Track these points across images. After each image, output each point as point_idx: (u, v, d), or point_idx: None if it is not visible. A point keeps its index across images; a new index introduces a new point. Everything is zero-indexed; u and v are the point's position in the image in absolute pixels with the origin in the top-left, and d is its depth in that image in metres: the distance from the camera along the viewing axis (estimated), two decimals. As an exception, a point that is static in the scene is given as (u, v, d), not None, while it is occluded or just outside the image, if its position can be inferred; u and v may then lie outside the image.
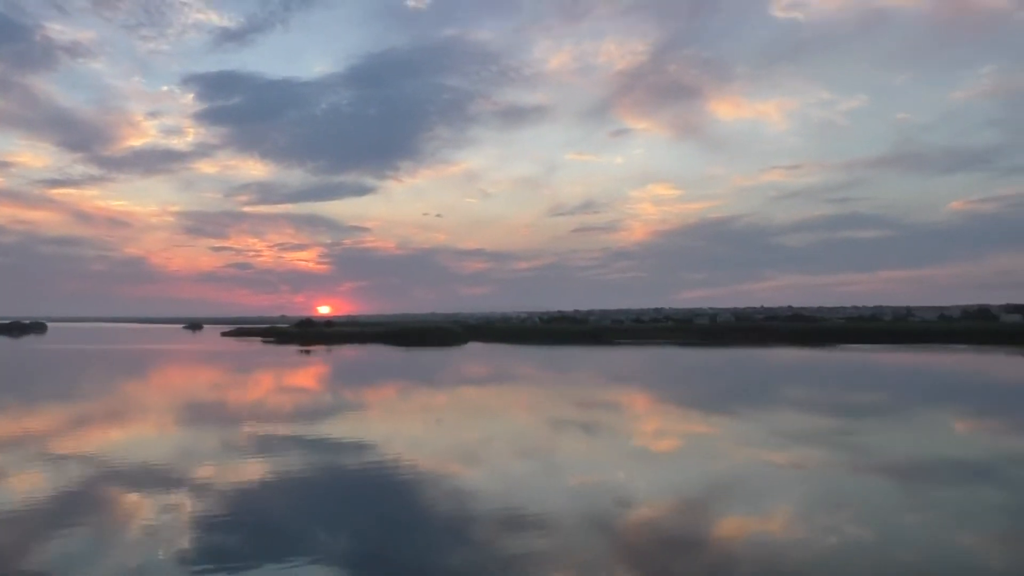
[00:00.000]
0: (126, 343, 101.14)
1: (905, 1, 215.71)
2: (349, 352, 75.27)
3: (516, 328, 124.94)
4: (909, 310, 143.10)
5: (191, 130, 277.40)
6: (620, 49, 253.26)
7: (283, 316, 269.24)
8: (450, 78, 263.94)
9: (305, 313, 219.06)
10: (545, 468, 17.27)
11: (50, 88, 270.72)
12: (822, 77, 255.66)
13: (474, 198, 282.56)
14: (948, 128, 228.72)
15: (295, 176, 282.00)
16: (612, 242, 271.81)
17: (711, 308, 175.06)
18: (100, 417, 26.14)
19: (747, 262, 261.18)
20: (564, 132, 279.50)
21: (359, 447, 19.76)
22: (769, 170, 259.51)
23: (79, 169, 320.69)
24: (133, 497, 14.36)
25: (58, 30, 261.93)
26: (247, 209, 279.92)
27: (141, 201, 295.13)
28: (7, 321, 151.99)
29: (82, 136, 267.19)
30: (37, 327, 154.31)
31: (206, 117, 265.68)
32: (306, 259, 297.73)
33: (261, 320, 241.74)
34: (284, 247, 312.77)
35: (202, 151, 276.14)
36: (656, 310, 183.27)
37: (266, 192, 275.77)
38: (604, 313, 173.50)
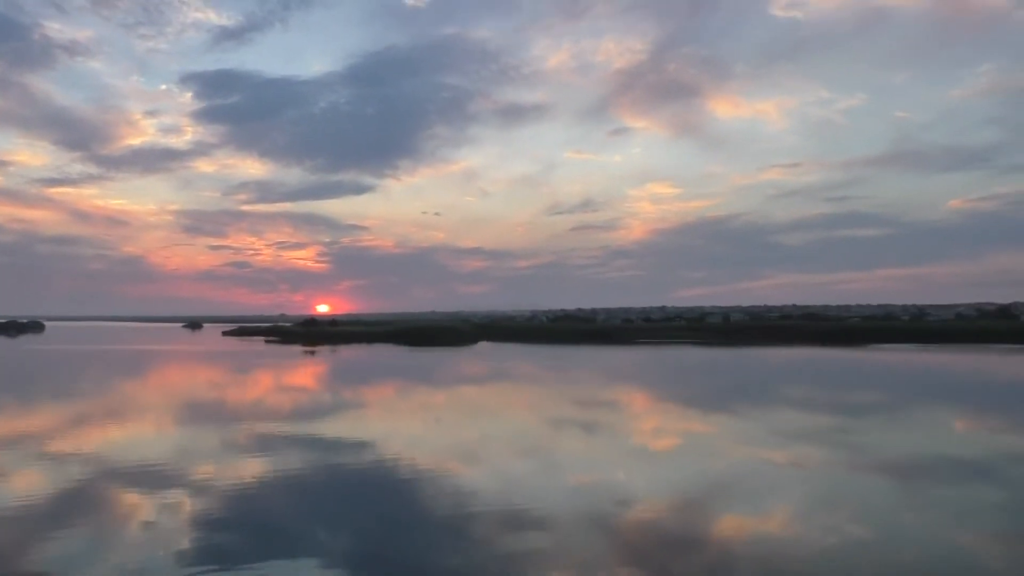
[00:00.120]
0: (126, 343, 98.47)
1: (904, 0, 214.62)
2: (356, 352, 72.68)
3: (526, 327, 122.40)
4: (920, 308, 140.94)
5: (189, 129, 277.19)
6: (619, 48, 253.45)
7: (282, 315, 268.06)
8: (449, 77, 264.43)
9: (304, 312, 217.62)
10: (592, 470, 16.52)
11: (48, 87, 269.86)
12: (821, 76, 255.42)
13: (473, 197, 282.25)
14: (947, 127, 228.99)
15: (294, 175, 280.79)
16: (611, 241, 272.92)
17: (717, 306, 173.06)
18: (102, 423, 23.61)
19: (746, 261, 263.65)
20: (563, 131, 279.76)
21: (387, 455, 17.82)
22: (768, 169, 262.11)
23: (77, 168, 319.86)
24: (133, 497, 14.29)
25: (56, 29, 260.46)
26: (246, 208, 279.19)
27: (139, 200, 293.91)
28: (4, 320, 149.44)
29: (80, 135, 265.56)
30: (34, 326, 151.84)
31: (204, 116, 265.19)
32: (305, 258, 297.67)
33: (260, 319, 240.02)
34: (283, 246, 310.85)
35: (200, 150, 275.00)
36: (660, 308, 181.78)
37: (265, 191, 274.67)
38: (608, 311, 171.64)
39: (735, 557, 10.74)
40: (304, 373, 49.55)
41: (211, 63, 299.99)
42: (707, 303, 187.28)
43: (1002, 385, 40.26)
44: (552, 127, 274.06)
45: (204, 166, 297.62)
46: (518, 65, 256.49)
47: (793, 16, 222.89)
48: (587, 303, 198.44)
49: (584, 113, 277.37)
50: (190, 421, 25.17)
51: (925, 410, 29.43)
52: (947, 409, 29.65)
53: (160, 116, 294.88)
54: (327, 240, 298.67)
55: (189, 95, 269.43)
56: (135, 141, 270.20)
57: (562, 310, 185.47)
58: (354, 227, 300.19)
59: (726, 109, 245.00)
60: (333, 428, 23.67)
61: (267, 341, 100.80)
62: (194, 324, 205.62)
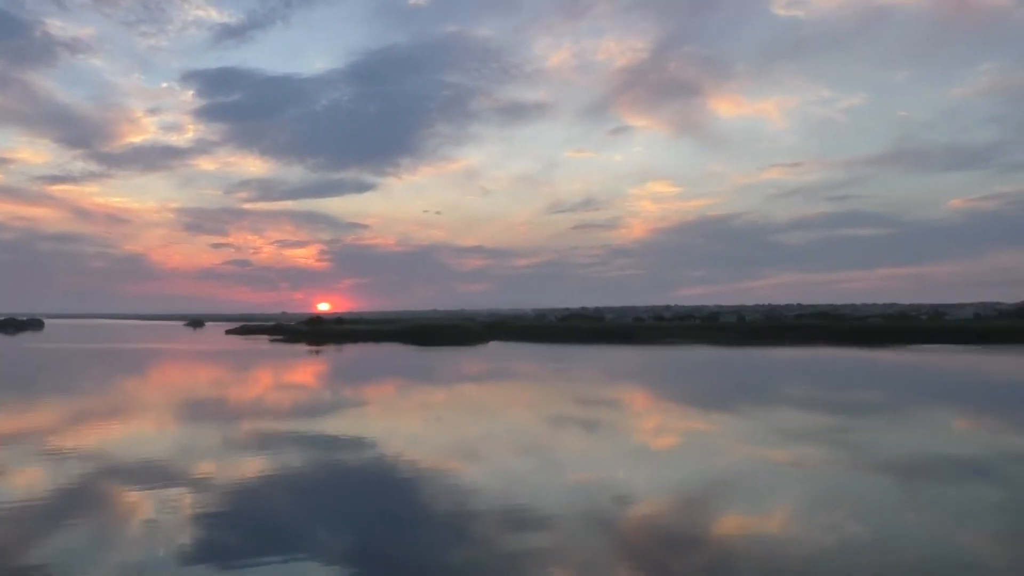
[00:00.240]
0: (127, 342, 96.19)
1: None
2: (365, 351, 70.44)
3: (535, 326, 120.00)
4: (936, 308, 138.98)
5: (191, 127, 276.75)
6: (620, 46, 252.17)
7: (284, 313, 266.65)
8: (450, 75, 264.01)
9: (305, 310, 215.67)
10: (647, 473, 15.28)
11: (50, 84, 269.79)
12: (822, 75, 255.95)
13: (474, 195, 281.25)
14: (948, 126, 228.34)
15: (295, 173, 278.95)
16: (611, 239, 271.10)
17: (721, 305, 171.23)
18: (118, 426, 21.48)
19: (746, 260, 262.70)
20: (564, 129, 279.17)
21: (420, 458, 16.12)
22: (769, 168, 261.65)
23: (79, 166, 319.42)
24: (136, 495, 14.28)
25: (58, 26, 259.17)
26: (247, 206, 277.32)
27: (140, 198, 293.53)
28: (3, 318, 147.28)
29: (82, 132, 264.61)
30: (34, 324, 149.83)
31: (206, 114, 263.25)
32: (306, 256, 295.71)
33: (261, 317, 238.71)
34: (284, 244, 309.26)
35: (202, 148, 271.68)
36: (666, 307, 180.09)
37: (266, 189, 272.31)
38: (612, 310, 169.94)
39: (737, 556, 10.71)
40: (314, 373, 47.27)
41: (212, 61, 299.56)
42: (708, 302, 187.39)
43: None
44: (553, 126, 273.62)
45: (205, 164, 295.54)
46: (519, 64, 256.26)
47: (794, 15, 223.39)
48: (588, 302, 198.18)
49: (585, 112, 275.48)
50: (204, 421, 24.56)
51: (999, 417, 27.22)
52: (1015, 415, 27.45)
53: (161, 114, 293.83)
54: (328, 238, 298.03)
55: (190, 93, 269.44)
56: (136, 139, 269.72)
57: (566, 309, 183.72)
58: (355, 225, 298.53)
59: (727, 108, 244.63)
60: (364, 430, 22.26)
61: (272, 340, 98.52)
62: (196, 322, 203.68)
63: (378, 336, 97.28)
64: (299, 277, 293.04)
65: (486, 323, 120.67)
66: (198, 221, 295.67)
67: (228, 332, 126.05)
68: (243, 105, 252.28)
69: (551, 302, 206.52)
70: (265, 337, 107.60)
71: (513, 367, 51.49)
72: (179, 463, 17.22)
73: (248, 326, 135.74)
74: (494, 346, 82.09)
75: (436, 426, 24.11)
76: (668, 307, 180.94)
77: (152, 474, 15.97)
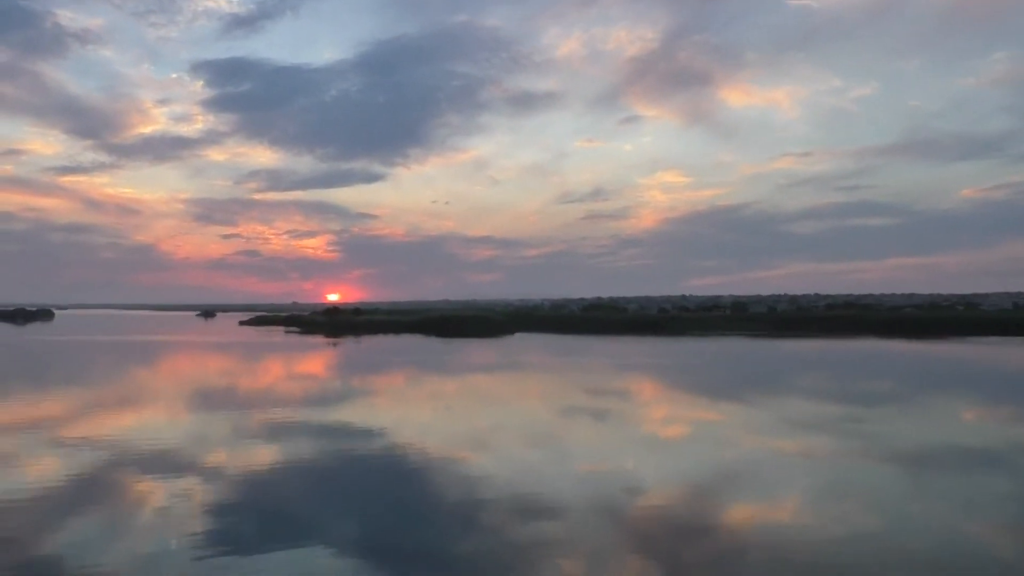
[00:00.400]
0: (138, 333, 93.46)
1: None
2: (387, 343, 67.49)
3: (559, 317, 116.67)
4: (964, 298, 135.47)
5: (200, 117, 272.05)
6: (630, 36, 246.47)
7: (294, 303, 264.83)
8: (460, 65, 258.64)
9: (315, 300, 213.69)
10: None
11: (60, 75, 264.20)
12: (833, 64, 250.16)
13: (483, 185, 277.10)
14: (959, 115, 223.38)
15: (304, 163, 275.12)
16: (621, 229, 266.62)
17: (733, 295, 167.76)
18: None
19: (756, 250, 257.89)
20: (574, 119, 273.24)
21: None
22: (779, 157, 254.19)
23: (89, 156, 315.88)
24: (149, 483, 14.15)
25: (68, 17, 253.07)
26: (256, 196, 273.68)
27: (150, 188, 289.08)
28: (12, 308, 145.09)
29: (92, 123, 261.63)
30: (44, 314, 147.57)
31: (215, 104, 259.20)
32: (315, 246, 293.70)
33: (271, 307, 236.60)
34: (293, 234, 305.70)
35: (211, 138, 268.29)
36: (681, 296, 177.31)
37: (275, 179, 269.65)
38: (626, 300, 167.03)
39: (746, 545, 10.65)
40: (345, 363, 44.35)
41: (222, 51, 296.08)
42: (719, 292, 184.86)
43: None
44: (563, 115, 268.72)
45: (215, 154, 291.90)
46: (529, 53, 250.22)
47: (805, 4, 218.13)
48: (598, 292, 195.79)
49: (595, 101, 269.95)
50: (220, 411, 24.49)
51: None
52: None
53: (171, 104, 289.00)
54: (337, 228, 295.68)
55: (200, 83, 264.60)
56: (146, 129, 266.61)
57: (581, 299, 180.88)
58: (364, 216, 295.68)
59: (738, 98, 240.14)
60: (407, 424, 20.24)
61: (287, 331, 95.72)
62: (208, 312, 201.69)
63: (398, 327, 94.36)
64: (309, 267, 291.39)
65: (508, 313, 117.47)
66: (208, 211, 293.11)
67: (242, 323, 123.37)
68: (252, 95, 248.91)
69: (561, 292, 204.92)
70: (280, 328, 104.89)
71: (575, 361, 48.46)
72: (193, 452, 17.19)
73: (262, 317, 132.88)
74: (520, 337, 79.10)
75: (500, 421, 21.09)
76: (684, 296, 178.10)
77: (167, 463, 15.83)
